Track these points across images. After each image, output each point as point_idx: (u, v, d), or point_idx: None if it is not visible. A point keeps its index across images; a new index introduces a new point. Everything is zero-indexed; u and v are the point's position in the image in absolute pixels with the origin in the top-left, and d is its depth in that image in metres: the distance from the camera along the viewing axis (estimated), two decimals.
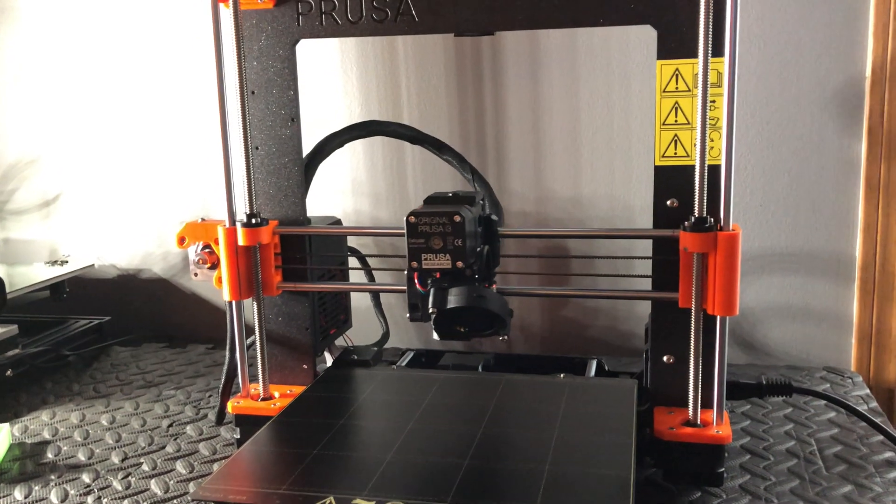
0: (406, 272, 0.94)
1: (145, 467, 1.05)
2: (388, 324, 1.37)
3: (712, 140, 0.90)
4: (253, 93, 1.04)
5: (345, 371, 1.11)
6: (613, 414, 0.93)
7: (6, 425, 1.13)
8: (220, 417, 1.17)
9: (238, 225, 1.02)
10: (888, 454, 1.02)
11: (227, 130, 1.01)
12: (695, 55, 0.88)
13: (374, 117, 1.40)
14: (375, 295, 1.35)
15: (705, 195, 0.89)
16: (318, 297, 1.12)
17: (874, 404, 1.17)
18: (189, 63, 1.51)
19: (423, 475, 0.82)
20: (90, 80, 1.58)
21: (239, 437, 1.07)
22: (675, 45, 0.91)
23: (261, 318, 1.06)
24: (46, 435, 1.16)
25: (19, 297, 1.42)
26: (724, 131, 0.88)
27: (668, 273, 0.95)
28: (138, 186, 1.60)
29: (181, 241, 1.09)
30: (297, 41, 1.03)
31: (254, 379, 1.09)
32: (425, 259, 0.92)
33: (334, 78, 1.44)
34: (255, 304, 1.06)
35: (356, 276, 1.35)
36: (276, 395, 1.09)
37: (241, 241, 1.02)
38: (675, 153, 0.93)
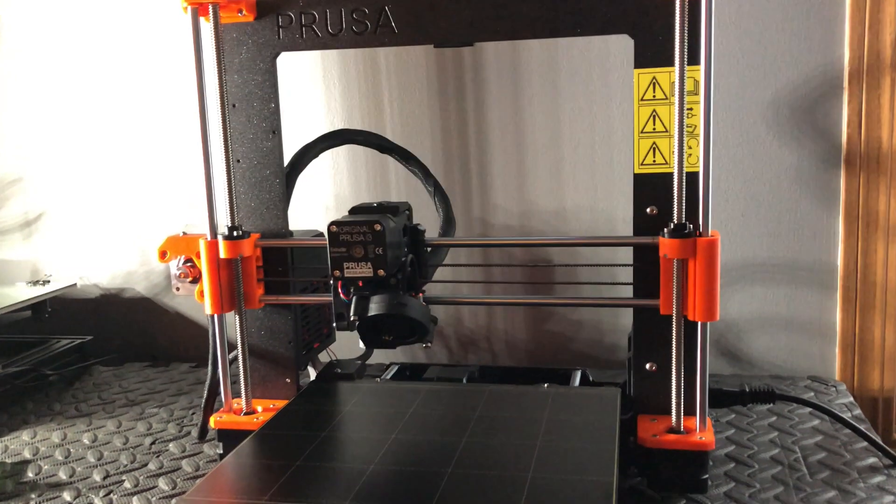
0: (331, 281, 0.96)
1: (127, 485, 1.04)
2: None
3: (690, 147, 0.91)
4: (234, 106, 1.05)
5: (328, 384, 1.10)
6: (596, 422, 0.93)
7: None
8: (203, 433, 1.16)
9: (220, 238, 1.02)
10: (871, 460, 1.02)
11: (208, 143, 1.01)
12: (671, 63, 0.89)
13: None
14: None
15: (684, 202, 0.90)
16: (300, 311, 1.12)
17: (858, 412, 1.17)
18: (169, 77, 1.51)
19: (406, 484, 0.81)
20: (71, 98, 1.58)
21: (221, 452, 1.06)
22: (652, 53, 0.92)
23: (243, 331, 1.06)
24: (27, 454, 1.15)
25: (1, 317, 1.41)
26: (701, 138, 0.88)
27: (648, 280, 0.95)
28: (120, 205, 1.59)
29: (163, 254, 1.09)
30: (277, 54, 1.03)
31: (237, 394, 1.09)
32: (347, 268, 0.93)
33: (317, 92, 1.45)
34: (237, 317, 1.05)
35: None
36: (259, 409, 1.08)
37: (222, 254, 1.02)
38: (654, 161, 0.94)
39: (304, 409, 1.02)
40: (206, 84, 1.00)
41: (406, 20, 0.99)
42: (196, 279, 1.10)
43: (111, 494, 1.01)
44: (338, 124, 1.45)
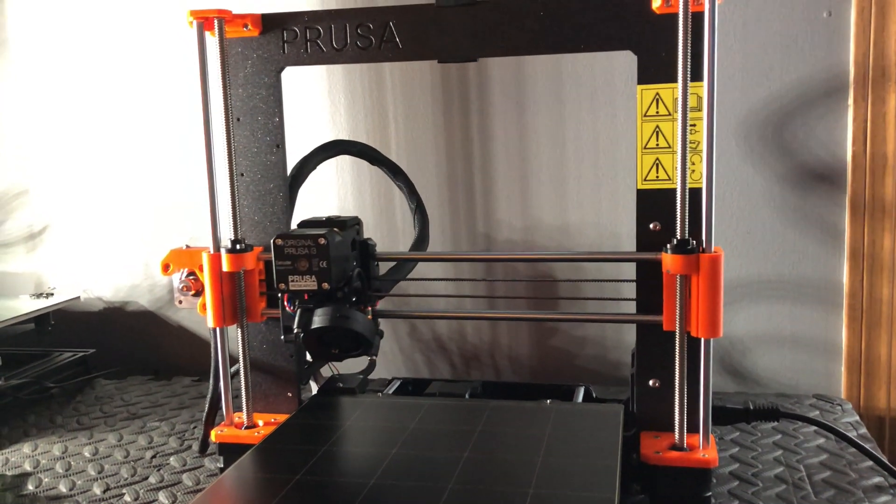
0: (278, 294, 0.97)
1: (127, 498, 1.04)
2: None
3: (693, 163, 0.91)
4: (238, 120, 1.05)
5: (330, 398, 1.10)
6: (599, 438, 0.92)
7: None
8: (204, 447, 1.16)
9: (223, 251, 1.02)
10: (877, 479, 1.01)
11: (212, 157, 1.01)
12: (675, 80, 0.89)
13: None
14: None
15: (687, 218, 0.89)
16: None
17: (863, 430, 1.16)
18: (174, 91, 1.52)
19: (407, 499, 0.81)
20: (76, 111, 1.59)
21: (222, 466, 1.06)
22: (655, 70, 0.92)
23: (245, 344, 1.06)
24: (27, 467, 1.14)
25: (3, 330, 1.41)
26: (704, 154, 0.88)
27: (652, 296, 0.95)
28: (124, 218, 1.60)
29: (165, 267, 1.09)
30: (282, 68, 1.04)
31: (238, 408, 1.08)
32: (292, 281, 0.94)
33: (322, 106, 1.45)
34: (239, 330, 1.05)
35: None
36: (261, 423, 1.08)
37: (225, 267, 1.02)
38: (657, 176, 0.94)
39: (306, 423, 1.02)
40: (211, 98, 1.00)
41: (410, 35, 0.99)
42: (199, 292, 1.10)
43: None
44: (343, 138, 1.45)
